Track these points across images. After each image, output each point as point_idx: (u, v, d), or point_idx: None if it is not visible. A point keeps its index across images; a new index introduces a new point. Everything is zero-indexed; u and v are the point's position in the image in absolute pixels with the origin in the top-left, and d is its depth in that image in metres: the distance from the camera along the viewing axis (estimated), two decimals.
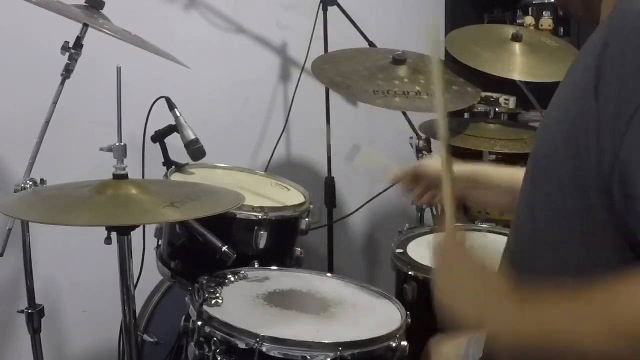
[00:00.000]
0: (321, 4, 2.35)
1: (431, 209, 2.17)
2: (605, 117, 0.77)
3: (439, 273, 0.96)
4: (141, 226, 1.71)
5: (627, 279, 0.74)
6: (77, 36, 1.62)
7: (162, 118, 1.85)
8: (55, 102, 1.61)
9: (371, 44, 2.33)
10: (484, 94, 2.31)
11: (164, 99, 1.84)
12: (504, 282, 0.89)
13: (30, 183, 1.54)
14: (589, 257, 0.83)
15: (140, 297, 1.96)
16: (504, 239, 1.05)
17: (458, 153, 2.85)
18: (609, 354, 0.74)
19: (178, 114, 1.84)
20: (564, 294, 0.79)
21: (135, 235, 1.38)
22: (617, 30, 0.79)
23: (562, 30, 2.74)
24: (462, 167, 1.26)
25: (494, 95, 2.72)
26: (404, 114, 2.31)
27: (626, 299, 0.73)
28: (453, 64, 2.14)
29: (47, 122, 1.60)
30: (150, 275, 1.88)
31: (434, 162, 1.36)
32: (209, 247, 1.55)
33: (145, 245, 1.84)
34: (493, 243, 1.81)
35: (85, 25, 1.61)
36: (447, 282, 0.94)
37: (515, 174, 1.17)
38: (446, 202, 1.03)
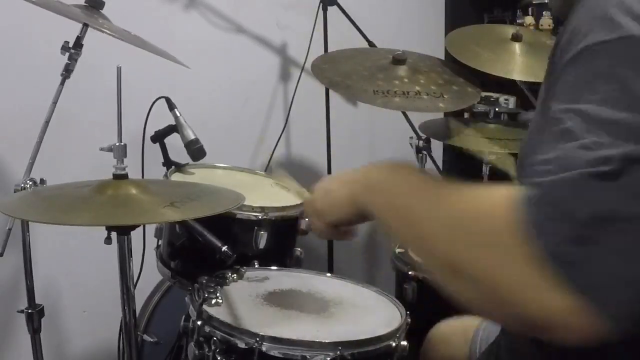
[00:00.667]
0: (321, 4, 2.35)
1: None
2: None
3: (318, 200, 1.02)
4: (141, 226, 1.71)
5: (492, 189, 0.74)
6: (77, 36, 1.62)
7: (162, 118, 1.85)
8: (55, 102, 1.61)
9: (371, 44, 2.33)
10: (484, 94, 2.31)
11: (164, 99, 1.84)
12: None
13: (30, 183, 1.54)
14: None
15: (140, 297, 1.96)
16: None
17: (458, 153, 2.86)
18: (439, 243, 0.75)
19: (178, 114, 1.84)
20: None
21: (135, 235, 1.38)
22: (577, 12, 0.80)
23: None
24: None
25: (494, 95, 2.72)
26: (404, 114, 2.31)
27: (473, 203, 0.74)
28: (453, 64, 2.13)
29: (47, 122, 1.60)
30: (150, 275, 1.88)
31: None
32: (209, 247, 1.55)
33: (145, 245, 1.85)
34: None
35: (85, 25, 1.61)
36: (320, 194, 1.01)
37: None
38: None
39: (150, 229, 1.81)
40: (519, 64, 2.07)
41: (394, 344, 1.33)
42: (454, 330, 1.42)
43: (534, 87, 2.18)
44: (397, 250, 1.80)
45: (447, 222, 0.75)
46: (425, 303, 1.67)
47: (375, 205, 0.88)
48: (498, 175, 2.84)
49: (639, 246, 0.65)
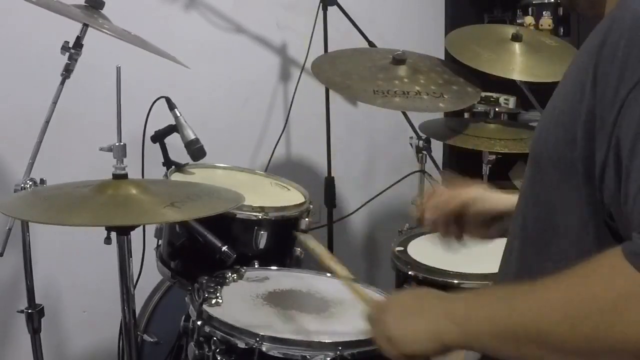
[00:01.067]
0: (321, 4, 2.35)
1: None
2: (603, 102, 0.77)
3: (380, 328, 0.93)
4: (141, 226, 1.71)
5: (596, 260, 0.73)
6: (77, 36, 1.62)
7: (162, 118, 1.85)
8: (55, 102, 1.61)
9: (371, 44, 2.33)
10: (484, 94, 2.31)
11: (164, 99, 1.84)
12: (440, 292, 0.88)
13: (30, 183, 1.54)
14: (582, 245, 0.84)
15: (140, 297, 1.96)
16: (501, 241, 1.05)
17: (459, 153, 2.86)
18: (569, 342, 0.72)
19: (178, 114, 1.84)
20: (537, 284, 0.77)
21: (135, 235, 1.38)
22: (618, 25, 0.79)
23: (562, 30, 2.74)
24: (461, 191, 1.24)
25: (494, 95, 2.72)
26: (404, 114, 2.31)
27: (593, 279, 0.72)
28: (453, 64, 2.13)
29: (47, 122, 1.60)
30: (150, 275, 1.88)
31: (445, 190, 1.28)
32: (209, 247, 1.55)
33: (145, 245, 1.85)
34: None
35: (85, 25, 1.61)
36: (389, 325, 0.91)
37: (511, 199, 1.14)
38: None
39: (150, 229, 1.81)
40: (519, 64, 2.07)
41: None
42: None
43: (534, 87, 2.18)
44: (397, 250, 1.80)
45: (562, 314, 0.73)
46: None
47: (479, 341, 0.82)
48: (498, 175, 2.84)
49: None
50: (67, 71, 1.62)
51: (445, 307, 0.86)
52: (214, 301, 1.37)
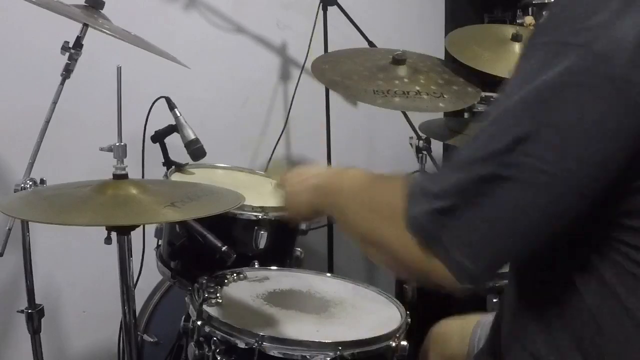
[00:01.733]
0: (321, 4, 2.35)
1: None
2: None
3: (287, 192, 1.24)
4: (141, 226, 1.71)
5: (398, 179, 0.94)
6: (77, 36, 1.62)
7: (162, 118, 1.85)
8: (55, 102, 1.61)
9: (371, 44, 2.33)
10: (484, 94, 2.31)
11: (164, 99, 1.84)
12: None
13: (30, 183, 1.54)
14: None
15: (140, 297, 1.96)
16: None
17: None
18: (359, 220, 0.98)
19: (178, 114, 1.84)
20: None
21: (135, 235, 1.38)
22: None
23: None
24: None
25: (494, 95, 2.72)
26: (404, 114, 2.30)
27: (390, 188, 0.95)
28: (453, 64, 2.13)
29: (47, 122, 1.60)
30: (150, 275, 1.88)
31: None
32: (209, 247, 1.55)
33: (145, 245, 1.84)
34: None
35: (85, 25, 1.61)
36: (290, 190, 1.23)
37: None
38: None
39: (150, 229, 1.81)
40: None
41: (394, 344, 1.33)
42: (454, 329, 1.43)
43: None
44: None
45: (365, 204, 0.99)
46: (425, 303, 1.67)
47: (326, 205, 1.12)
48: None
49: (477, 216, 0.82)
50: (67, 71, 1.62)
51: (323, 179, 1.17)
52: (214, 301, 1.37)
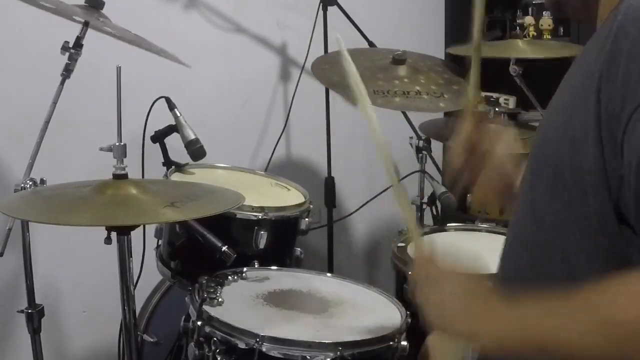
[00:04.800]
0: (321, 4, 2.35)
1: (431, 208, 2.17)
2: (608, 111, 0.76)
3: (422, 292, 0.93)
4: (141, 226, 1.71)
5: (624, 279, 0.72)
6: (77, 36, 1.62)
7: (162, 118, 1.85)
8: (55, 102, 1.61)
9: (371, 44, 2.33)
10: (484, 94, 2.31)
11: (164, 99, 1.84)
12: (486, 285, 0.88)
13: (30, 183, 1.53)
14: (588, 253, 0.83)
15: (140, 297, 1.96)
16: (503, 238, 1.05)
17: None
18: (605, 355, 0.72)
19: (178, 114, 1.84)
20: (555, 294, 0.77)
21: (135, 235, 1.38)
22: (624, 29, 0.78)
23: (562, 30, 2.74)
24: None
25: (494, 95, 2.72)
26: (404, 114, 2.30)
27: (624, 300, 0.71)
28: (453, 64, 2.13)
29: (47, 122, 1.60)
30: (150, 275, 1.88)
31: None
32: (209, 247, 1.55)
33: (145, 245, 1.84)
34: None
35: (85, 25, 1.61)
36: (432, 299, 0.91)
37: None
38: (407, 219, 1.04)
39: (150, 229, 1.81)
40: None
41: (394, 344, 1.33)
42: (448, 341, 1.41)
43: (534, 87, 2.18)
44: (397, 249, 1.80)
45: (599, 331, 0.72)
46: None
47: (505, 345, 0.82)
48: None
49: None
50: (67, 71, 1.62)
51: (483, 309, 0.86)
52: (214, 301, 1.37)
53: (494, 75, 2.02)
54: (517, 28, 2.71)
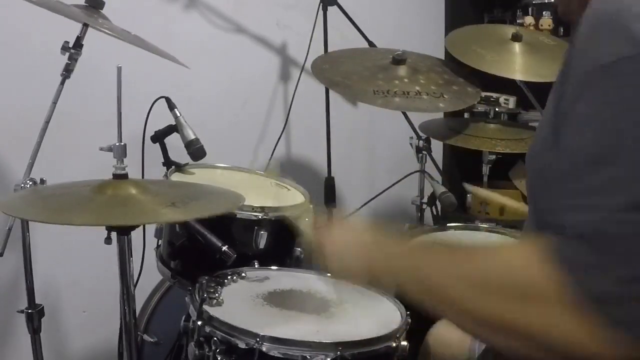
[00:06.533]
0: (321, 4, 2.35)
1: (431, 208, 2.17)
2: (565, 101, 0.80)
3: (323, 248, 1.09)
4: (141, 226, 1.71)
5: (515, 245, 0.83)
6: (77, 36, 1.62)
7: (162, 118, 1.85)
8: (55, 102, 1.61)
9: (371, 44, 2.33)
10: (484, 94, 2.31)
11: (164, 99, 1.84)
12: (381, 233, 1.02)
13: (30, 183, 1.53)
14: None
15: (140, 297, 1.96)
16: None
17: (459, 153, 2.86)
18: (470, 304, 0.80)
19: (178, 114, 1.84)
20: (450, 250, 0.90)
21: (135, 235, 1.38)
22: (580, 27, 0.80)
23: (562, 30, 2.74)
24: None
25: (494, 95, 2.72)
26: (404, 114, 2.31)
27: (499, 260, 0.80)
28: (453, 64, 2.13)
29: (47, 122, 1.60)
30: (150, 275, 1.88)
31: None
32: (209, 247, 1.55)
33: (145, 245, 1.84)
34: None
35: (85, 25, 1.61)
36: (332, 251, 1.07)
37: None
38: None
39: (150, 229, 1.81)
40: (519, 64, 2.07)
41: (394, 344, 1.33)
42: (454, 329, 1.42)
43: (534, 87, 2.18)
44: None
45: (475, 282, 0.80)
46: None
47: (399, 282, 0.96)
48: (498, 175, 2.84)
49: None
50: (67, 71, 1.62)
51: (378, 247, 1.01)
52: (214, 301, 1.37)
53: (494, 75, 2.03)
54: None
